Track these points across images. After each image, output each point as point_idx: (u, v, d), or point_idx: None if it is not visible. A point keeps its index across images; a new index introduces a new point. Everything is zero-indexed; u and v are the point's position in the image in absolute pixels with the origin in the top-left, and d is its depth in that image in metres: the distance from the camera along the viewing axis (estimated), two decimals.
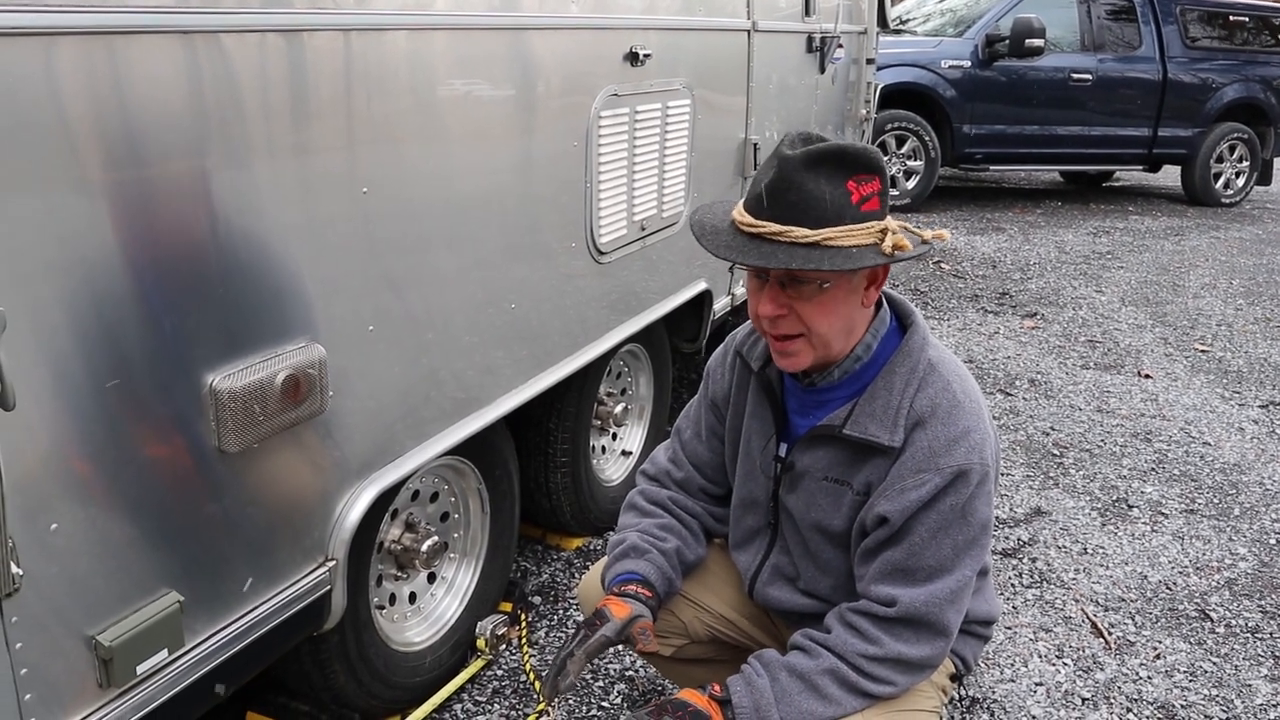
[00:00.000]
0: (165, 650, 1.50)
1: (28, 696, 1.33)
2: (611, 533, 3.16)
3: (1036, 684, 2.52)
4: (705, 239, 1.58)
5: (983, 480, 1.56)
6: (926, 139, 8.50)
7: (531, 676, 2.45)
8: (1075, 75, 8.74)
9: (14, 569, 1.25)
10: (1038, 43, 8.44)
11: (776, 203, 1.48)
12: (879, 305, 1.66)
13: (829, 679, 1.55)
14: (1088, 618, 2.80)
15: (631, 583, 1.75)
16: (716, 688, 1.56)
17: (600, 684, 2.46)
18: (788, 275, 1.52)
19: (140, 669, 1.46)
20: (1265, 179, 9.75)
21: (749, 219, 1.52)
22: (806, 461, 1.69)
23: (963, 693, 2.46)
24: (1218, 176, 9.55)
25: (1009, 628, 2.74)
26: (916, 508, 1.54)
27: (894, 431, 1.57)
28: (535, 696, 2.40)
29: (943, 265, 6.99)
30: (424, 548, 2.21)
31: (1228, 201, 9.59)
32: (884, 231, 1.50)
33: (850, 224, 1.47)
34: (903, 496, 1.55)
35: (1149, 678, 2.56)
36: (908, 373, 1.60)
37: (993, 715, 2.40)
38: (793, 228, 1.46)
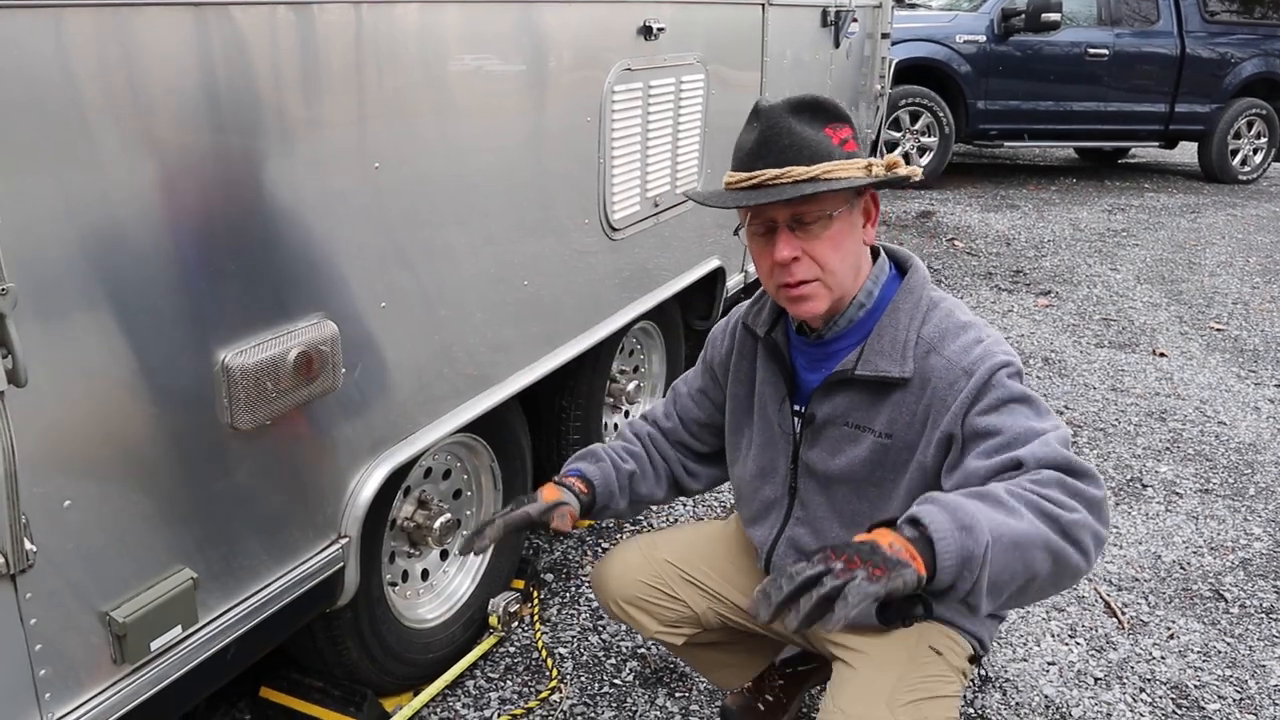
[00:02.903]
0: (179, 627, 1.50)
1: (42, 672, 1.33)
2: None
3: (1049, 663, 2.51)
4: (711, 199, 1.63)
5: (1019, 371, 1.56)
6: (940, 115, 8.42)
7: (544, 654, 2.46)
8: (1092, 50, 8.63)
9: (28, 545, 1.25)
10: (1054, 17, 8.33)
11: (770, 150, 1.54)
12: (876, 255, 1.70)
13: (1008, 496, 1.33)
14: (1101, 597, 2.79)
15: (572, 476, 1.85)
16: (890, 537, 1.28)
17: (612, 661, 2.47)
18: (794, 218, 1.56)
19: (154, 645, 1.47)
20: None
21: (741, 175, 1.57)
22: (826, 410, 1.69)
23: (976, 672, 2.46)
24: (1235, 153, 9.43)
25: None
26: (969, 403, 1.52)
27: (903, 363, 1.59)
28: (547, 674, 2.40)
29: (956, 243, 6.94)
30: (437, 525, 2.21)
31: (1245, 178, 9.49)
32: (869, 166, 1.56)
33: (840, 160, 1.54)
34: (950, 410, 1.54)
35: (1162, 658, 2.55)
36: (911, 308, 1.64)
37: (1005, 694, 2.39)
38: (790, 168, 1.52)
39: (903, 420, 1.61)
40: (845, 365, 1.65)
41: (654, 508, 3.19)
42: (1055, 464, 1.39)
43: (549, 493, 1.79)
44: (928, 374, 1.58)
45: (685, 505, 3.24)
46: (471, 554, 1.73)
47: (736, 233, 1.69)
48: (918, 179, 1.65)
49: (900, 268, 1.72)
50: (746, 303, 1.88)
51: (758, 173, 1.54)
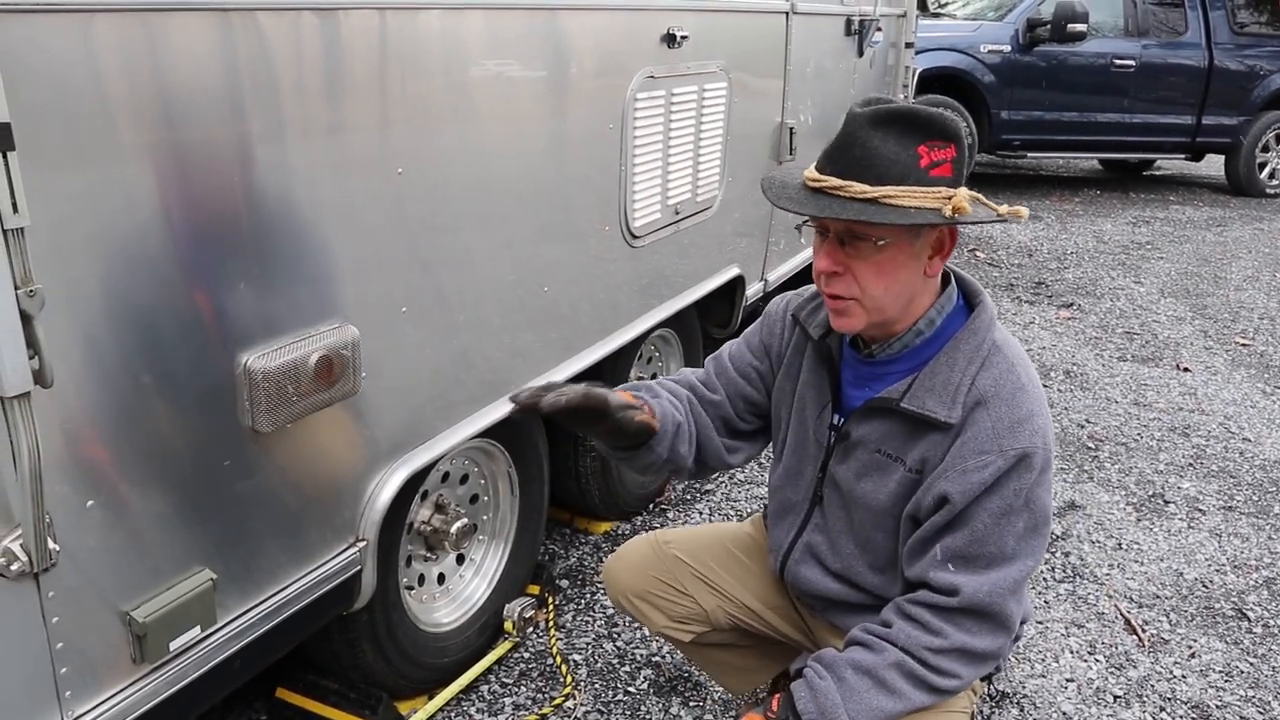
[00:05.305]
0: (198, 627, 1.51)
1: (63, 670, 1.34)
2: (639, 517, 3.16)
3: (1068, 680, 2.49)
4: (770, 191, 1.58)
5: (1045, 467, 1.53)
6: (964, 124, 8.37)
7: (559, 660, 2.46)
8: (1118, 61, 8.57)
9: (51, 545, 1.26)
10: (1080, 28, 8.27)
11: (840, 158, 1.48)
12: (946, 281, 1.64)
13: (895, 673, 1.52)
14: (1121, 614, 2.76)
15: (637, 396, 1.73)
16: (775, 705, 1.53)
17: (627, 669, 2.46)
18: (846, 231, 1.51)
19: (173, 645, 1.48)
20: None
21: (814, 174, 1.52)
22: (862, 432, 1.66)
23: (993, 688, 2.44)
24: (1262, 166, 9.33)
25: (1040, 622, 2.71)
26: (979, 490, 1.51)
27: (952, 408, 1.55)
28: (562, 680, 2.40)
29: (978, 254, 6.90)
30: (453, 529, 2.21)
31: (1272, 192, 9.38)
32: (950, 198, 1.46)
33: (914, 185, 1.45)
34: (965, 478, 1.52)
35: (1183, 676, 2.52)
36: (971, 351, 1.57)
37: (1022, 710, 2.37)
38: (852, 183, 1.45)
39: (934, 460, 1.58)
40: (891, 393, 1.61)
41: (670, 513, 3.19)
42: (982, 611, 1.53)
43: (624, 394, 1.67)
44: (968, 424, 1.54)
45: (701, 513, 3.23)
46: (544, 407, 1.55)
47: (798, 228, 1.67)
48: (1023, 219, 1.56)
49: (969, 302, 1.65)
50: (805, 294, 1.82)
51: (824, 178, 1.49)
